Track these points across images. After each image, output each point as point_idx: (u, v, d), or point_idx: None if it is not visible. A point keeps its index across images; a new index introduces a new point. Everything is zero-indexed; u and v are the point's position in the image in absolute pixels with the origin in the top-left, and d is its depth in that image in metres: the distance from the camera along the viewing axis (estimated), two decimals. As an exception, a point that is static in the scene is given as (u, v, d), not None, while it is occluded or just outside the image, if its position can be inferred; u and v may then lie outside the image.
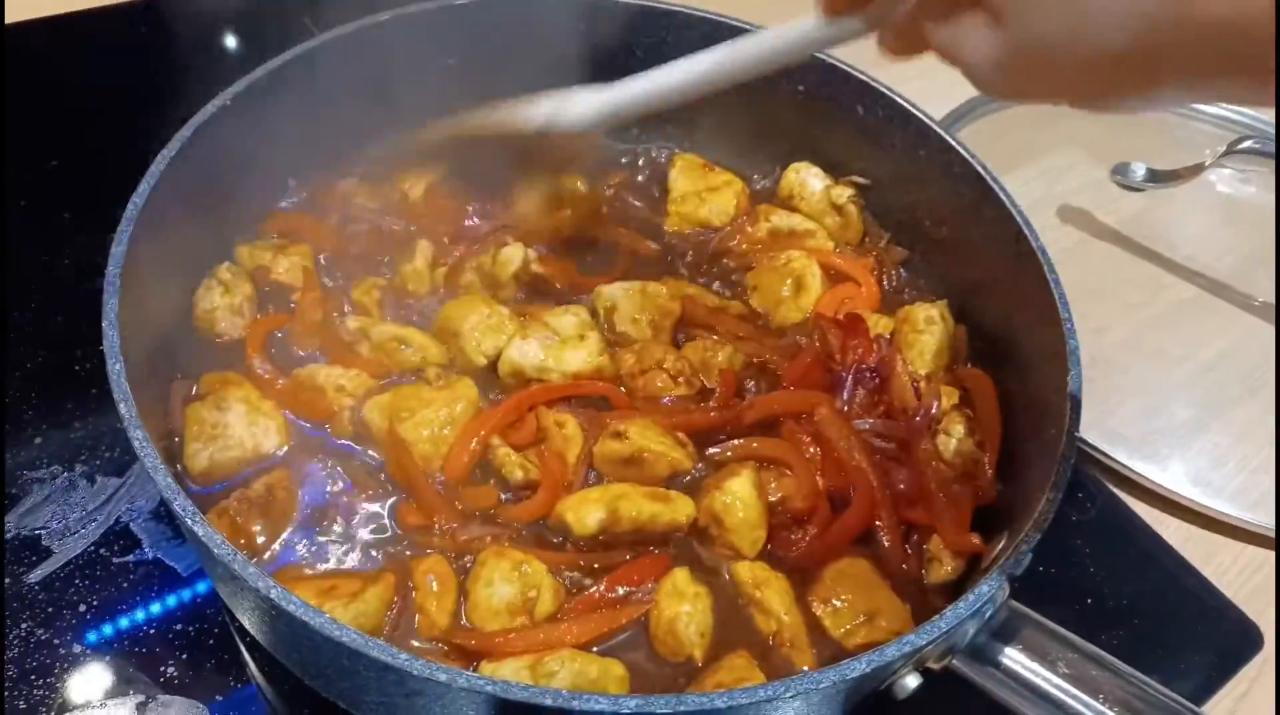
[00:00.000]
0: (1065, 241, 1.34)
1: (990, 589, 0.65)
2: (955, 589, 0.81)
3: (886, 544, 0.83)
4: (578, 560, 0.80)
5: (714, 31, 1.06)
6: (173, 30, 1.37)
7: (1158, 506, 1.05)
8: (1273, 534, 1.03)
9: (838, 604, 0.78)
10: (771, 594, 0.78)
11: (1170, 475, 1.06)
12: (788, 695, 0.57)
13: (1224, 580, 0.99)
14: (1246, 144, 1.21)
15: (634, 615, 0.77)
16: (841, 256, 1.08)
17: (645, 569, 0.79)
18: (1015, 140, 1.44)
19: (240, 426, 0.82)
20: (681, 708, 0.55)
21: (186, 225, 0.86)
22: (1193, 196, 1.34)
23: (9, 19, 1.31)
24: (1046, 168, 1.43)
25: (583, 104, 0.90)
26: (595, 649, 0.75)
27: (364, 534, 0.80)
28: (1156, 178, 1.28)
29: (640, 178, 1.17)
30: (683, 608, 0.76)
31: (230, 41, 1.41)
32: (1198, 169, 1.24)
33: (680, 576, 0.78)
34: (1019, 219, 0.91)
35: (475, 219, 1.05)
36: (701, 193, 1.12)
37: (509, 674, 0.70)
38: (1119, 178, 1.30)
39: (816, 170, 1.12)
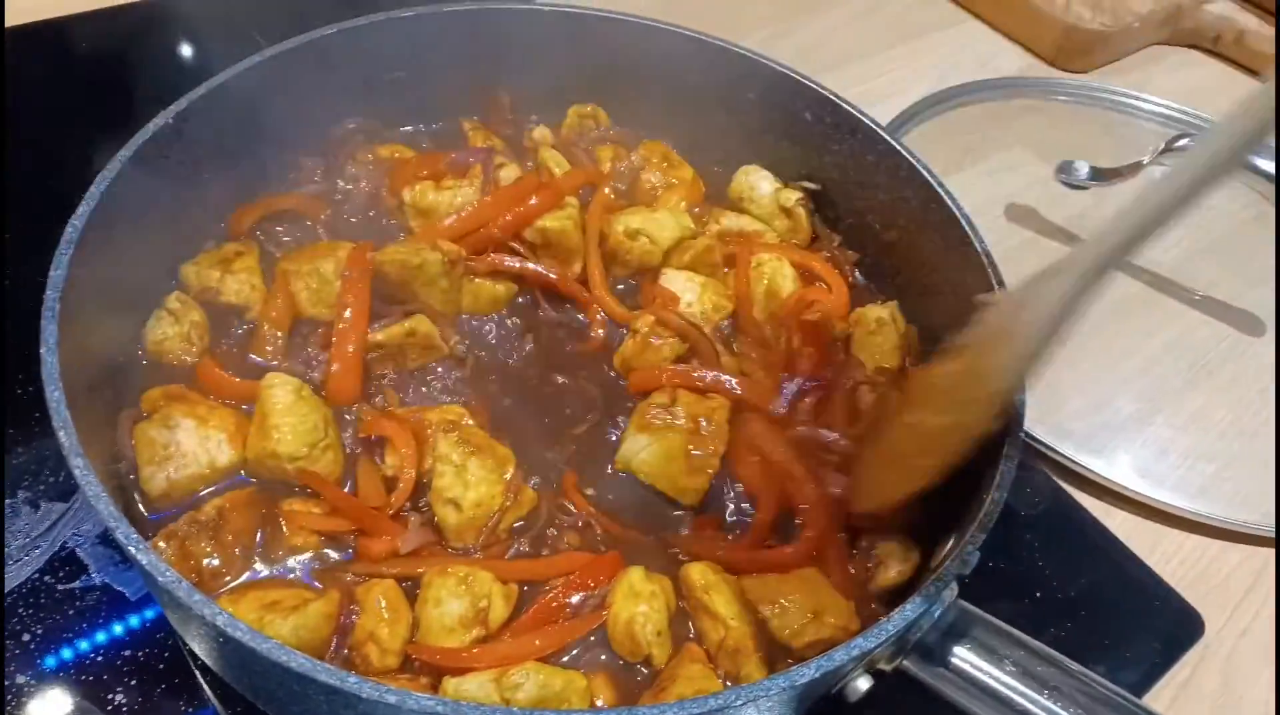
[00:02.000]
0: (1013, 240, 1.36)
1: (938, 590, 0.66)
2: (904, 590, 0.82)
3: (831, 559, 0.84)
4: (527, 570, 0.80)
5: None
6: (119, 44, 1.34)
7: (1104, 499, 1.08)
8: (1215, 522, 1.06)
9: (784, 604, 0.78)
10: (718, 598, 0.79)
11: (1116, 468, 1.08)
12: (738, 704, 0.57)
13: (1168, 569, 1.01)
14: (1183, 142, 1.24)
15: (594, 623, 0.77)
16: (813, 257, 1.08)
17: (599, 569, 0.79)
18: (963, 142, 1.47)
19: (191, 442, 0.81)
20: (633, 721, 0.55)
21: (132, 248, 0.85)
22: (1135, 193, 1.37)
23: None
24: (993, 167, 1.46)
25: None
26: (564, 658, 0.76)
27: (312, 558, 0.79)
28: (1098, 176, 1.31)
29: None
30: (639, 608, 0.76)
31: (181, 55, 1.39)
32: (1137, 167, 1.27)
33: (635, 575, 0.79)
34: (964, 222, 0.93)
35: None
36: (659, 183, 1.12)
37: (473, 688, 0.70)
38: (1063, 177, 1.32)
39: (765, 173, 1.13)
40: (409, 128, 1.14)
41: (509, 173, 1.04)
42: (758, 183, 1.13)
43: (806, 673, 0.59)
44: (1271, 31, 1.74)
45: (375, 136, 1.09)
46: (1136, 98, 1.59)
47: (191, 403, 0.84)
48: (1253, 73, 1.76)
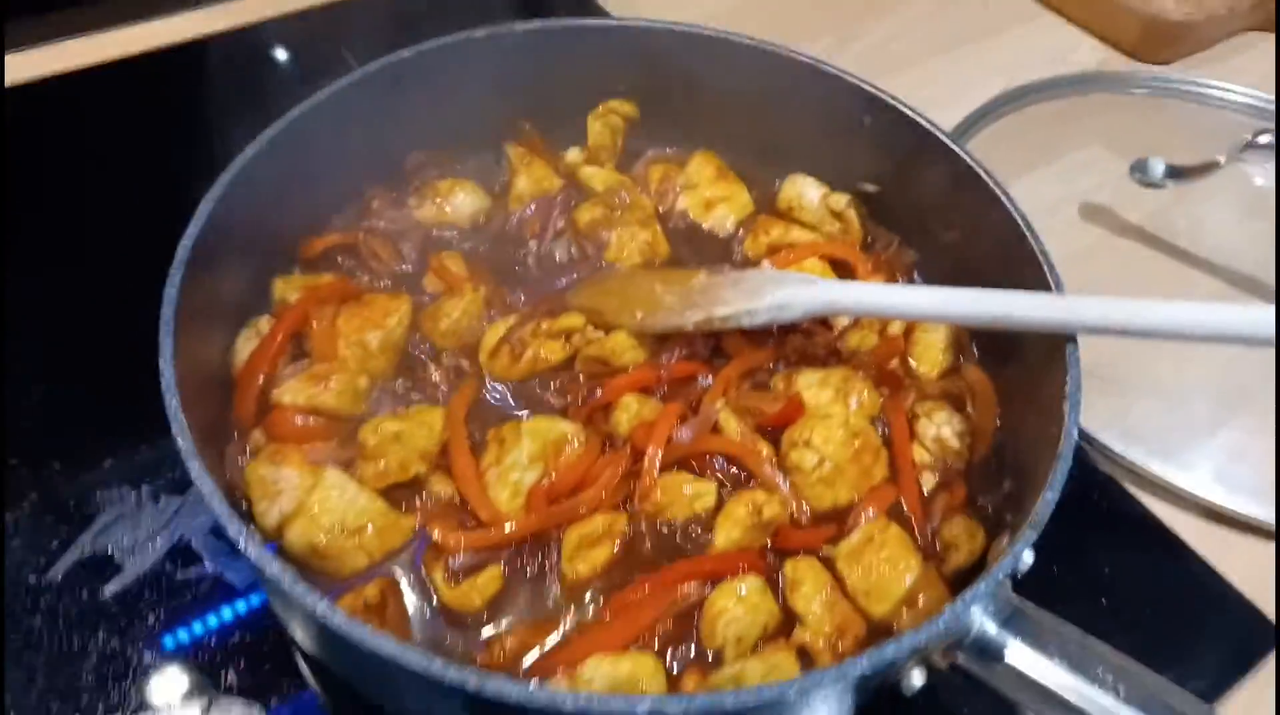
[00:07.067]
0: (1086, 239, 1.35)
1: (990, 586, 0.68)
2: (976, 570, 0.84)
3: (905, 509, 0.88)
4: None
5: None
6: (210, 72, 1.44)
7: (1174, 504, 1.06)
8: (1292, 528, 1.04)
9: (879, 592, 0.81)
10: (798, 597, 0.81)
11: (1187, 473, 1.07)
12: (792, 694, 0.61)
13: (1240, 577, 0.99)
14: (1265, 139, 1.20)
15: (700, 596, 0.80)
16: (845, 247, 1.10)
17: (737, 559, 0.83)
18: (1034, 140, 1.46)
19: (297, 477, 0.82)
20: (692, 707, 0.59)
21: (233, 266, 0.92)
22: (1218, 189, 1.32)
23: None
24: (1067, 166, 1.44)
25: (816, 297, 0.91)
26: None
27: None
28: (1175, 174, 1.28)
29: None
30: (736, 610, 0.78)
31: (270, 79, 1.47)
32: (1214, 166, 1.24)
33: (751, 582, 0.80)
34: (1020, 220, 0.94)
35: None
36: (708, 199, 1.14)
37: None
38: (1138, 175, 1.30)
39: (811, 180, 1.15)
40: (472, 158, 1.15)
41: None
42: (804, 190, 1.14)
43: (858, 665, 0.62)
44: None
45: (446, 170, 1.11)
46: (1222, 88, 1.53)
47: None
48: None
